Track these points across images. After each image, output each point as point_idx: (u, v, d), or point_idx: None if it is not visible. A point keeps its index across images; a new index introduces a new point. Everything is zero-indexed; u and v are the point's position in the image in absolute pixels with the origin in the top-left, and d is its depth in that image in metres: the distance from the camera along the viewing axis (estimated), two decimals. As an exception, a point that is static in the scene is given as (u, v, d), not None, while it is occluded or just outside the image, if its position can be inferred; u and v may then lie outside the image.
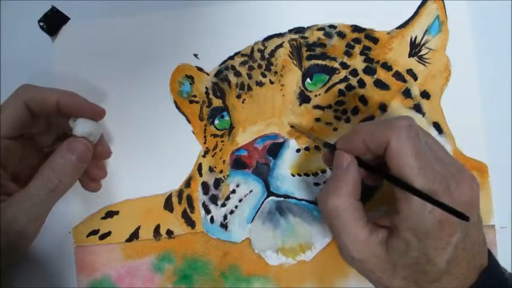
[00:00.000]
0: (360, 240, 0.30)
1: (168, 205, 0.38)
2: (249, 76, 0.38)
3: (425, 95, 0.38)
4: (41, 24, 0.39)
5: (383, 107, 0.38)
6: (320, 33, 0.38)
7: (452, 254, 0.29)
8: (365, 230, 0.30)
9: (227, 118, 0.38)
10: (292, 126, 0.37)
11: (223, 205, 0.38)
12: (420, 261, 0.29)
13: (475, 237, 0.30)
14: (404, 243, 0.29)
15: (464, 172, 0.30)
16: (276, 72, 0.38)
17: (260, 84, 0.38)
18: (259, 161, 0.37)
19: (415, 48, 0.38)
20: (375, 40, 0.38)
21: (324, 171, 0.37)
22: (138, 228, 0.38)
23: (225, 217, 0.38)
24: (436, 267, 0.29)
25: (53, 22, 0.39)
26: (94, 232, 0.38)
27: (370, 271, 0.31)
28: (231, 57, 0.39)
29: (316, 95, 0.38)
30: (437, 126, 0.38)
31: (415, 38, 0.38)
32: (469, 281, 0.29)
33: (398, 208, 0.29)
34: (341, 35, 0.38)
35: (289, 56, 0.38)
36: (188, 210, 0.38)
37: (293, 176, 0.37)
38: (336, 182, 0.31)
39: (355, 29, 0.38)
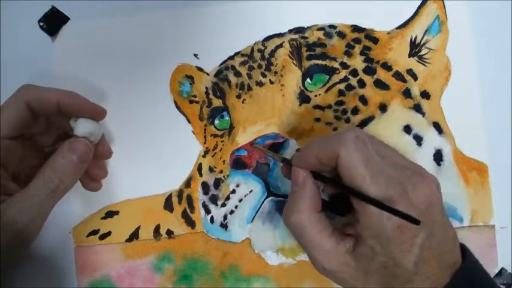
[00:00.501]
0: (327, 251, 0.30)
1: (168, 205, 0.38)
2: (249, 76, 0.38)
3: (425, 95, 0.38)
4: (41, 24, 0.39)
5: (383, 107, 0.38)
6: (320, 33, 0.38)
7: (419, 255, 0.29)
8: (331, 241, 0.30)
9: (227, 118, 0.38)
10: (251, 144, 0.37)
11: (223, 205, 0.38)
12: (388, 265, 0.29)
13: (441, 236, 0.30)
14: (369, 250, 0.29)
15: (422, 174, 0.31)
16: (276, 72, 0.38)
17: (260, 84, 0.38)
18: (259, 161, 0.37)
19: (415, 48, 0.38)
20: (375, 40, 0.38)
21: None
22: (138, 228, 0.38)
23: (225, 217, 0.38)
24: (404, 269, 0.29)
25: (53, 22, 0.39)
26: (94, 232, 0.38)
27: (343, 280, 0.31)
28: (231, 57, 0.39)
29: (316, 95, 0.38)
30: (437, 126, 0.38)
31: (415, 38, 0.38)
32: (442, 280, 0.29)
33: (358, 217, 0.30)
34: (341, 35, 0.38)
35: (289, 56, 0.38)
36: (188, 210, 0.38)
37: (293, 176, 0.37)
38: (294, 198, 0.32)
39: (355, 29, 0.38)
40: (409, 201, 0.29)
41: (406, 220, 0.27)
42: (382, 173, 0.29)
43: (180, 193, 0.39)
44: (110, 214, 0.38)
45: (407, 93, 0.38)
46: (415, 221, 0.27)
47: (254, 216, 0.38)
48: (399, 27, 0.38)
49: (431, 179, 0.30)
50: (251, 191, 0.37)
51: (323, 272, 0.31)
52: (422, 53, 0.38)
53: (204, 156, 0.39)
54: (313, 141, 0.32)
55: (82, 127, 0.34)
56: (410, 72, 0.38)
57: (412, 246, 0.29)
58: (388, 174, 0.29)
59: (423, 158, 0.37)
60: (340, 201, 0.33)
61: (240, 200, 0.38)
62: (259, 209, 0.38)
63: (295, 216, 0.31)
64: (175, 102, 0.39)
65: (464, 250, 0.31)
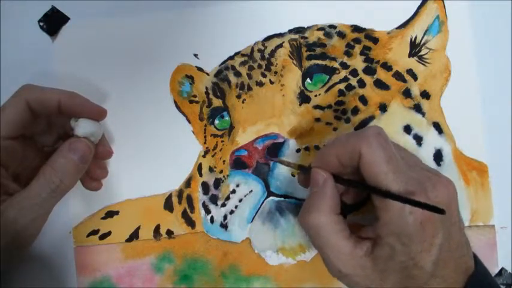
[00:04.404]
0: (344, 254, 0.30)
1: (168, 205, 0.38)
2: (249, 76, 0.38)
3: (425, 95, 0.38)
4: (41, 24, 0.39)
5: (383, 107, 0.38)
6: (320, 33, 0.38)
7: (438, 256, 0.29)
8: (349, 243, 0.30)
9: (227, 118, 0.38)
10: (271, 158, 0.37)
11: (223, 205, 0.38)
12: (407, 265, 0.29)
13: (458, 239, 0.30)
14: (389, 250, 0.29)
15: (440, 176, 0.31)
16: (276, 72, 0.38)
17: (260, 84, 0.38)
18: (259, 161, 0.37)
19: (415, 48, 0.38)
20: (375, 40, 0.38)
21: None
22: (138, 228, 0.38)
23: (225, 217, 0.38)
24: (423, 270, 0.29)
25: (53, 22, 0.39)
26: (94, 232, 0.38)
27: (358, 283, 0.31)
28: (231, 57, 0.39)
29: (316, 95, 0.38)
30: (437, 126, 0.38)
31: (415, 38, 0.38)
32: (457, 285, 0.29)
33: (378, 215, 0.30)
34: (341, 35, 0.38)
35: (289, 56, 0.38)
36: (188, 210, 0.38)
37: (293, 176, 0.37)
38: (314, 199, 0.31)
39: (355, 29, 0.38)
40: (429, 200, 0.29)
41: (430, 210, 0.27)
42: (403, 170, 0.29)
43: (180, 193, 0.39)
44: (110, 214, 0.38)
45: (407, 93, 0.38)
46: (440, 211, 0.27)
47: (254, 216, 0.38)
48: (399, 27, 0.38)
49: (449, 181, 0.30)
50: (251, 191, 0.37)
51: (337, 275, 0.31)
52: (422, 53, 0.38)
53: (204, 156, 0.39)
54: (332, 141, 0.32)
55: (82, 127, 0.34)
56: (410, 72, 0.38)
57: (432, 246, 0.29)
58: (408, 173, 0.29)
59: (423, 158, 0.37)
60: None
61: (240, 200, 0.38)
62: (259, 209, 0.38)
63: (313, 216, 0.31)
64: (175, 102, 0.39)
65: (474, 256, 0.31)
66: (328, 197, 0.31)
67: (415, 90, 0.38)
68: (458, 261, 0.30)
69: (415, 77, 0.38)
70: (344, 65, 0.38)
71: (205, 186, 0.38)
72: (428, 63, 0.38)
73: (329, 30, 0.38)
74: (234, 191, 0.38)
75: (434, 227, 0.28)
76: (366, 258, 0.30)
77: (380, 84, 0.38)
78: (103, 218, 0.38)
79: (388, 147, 0.30)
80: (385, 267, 0.29)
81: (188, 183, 0.39)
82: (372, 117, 0.38)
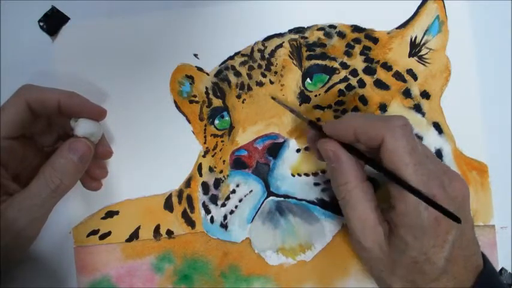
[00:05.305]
0: (368, 226, 0.30)
1: (168, 205, 0.38)
2: (249, 76, 0.38)
3: (425, 95, 0.38)
4: (41, 24, 0.39)
5: (383, 107, 0.38)
6: (320, 33, 0.38)
7: (450, 252, 0.29)
8: (374, 217, 0.30)
9: (227, 118, 0.38)
10: (273, 98, 0.37)
11: (223, 205, 0.38)
12: (419, 260, 0.29)
13: (469, 236, 0.30)
14: (402, 242, 0.29)
15: (453, 170, 0.31)
16: (276, 72, 0.38)
17: (260, 84, 0.38)
18: (259, 161, 0.37)
19: (415, 48, 0.38)
20: (375, 40, 0.38)
21: (324, 171, 0.37)
22: (138, 228, 0.38)
23: (225, 217, 0.38)
24: (435, 266, 0.29)
25: (53, 22, 0.39)
26: (94, 232, 0.38)
27: (373, 262, 0.31)
28: (231, 57, 0.39)
29: (316, 95, 0.38)
30: (437, 126, 0.38)
31: (415, 38, 0.38)
32: (467, 282, 0.29)
33: (394, 204, 0.30)
34: (341, 35, 0.38)
35: (289, 56, 0.38)
36: (188, 210, 0.38)
37: (293, 176, 0.37)
38: (334, 173, 0.32)
39: (355, 29, 0.38)
40: (446, 194, 0.29)
41: (447, 216, 0.27)
42: (423, 163, 0.29)
43: (180, 193, 0.39)
44: (110, 214, 0.38)
45: (407, 93, 0.38)
46: (456, 219, 0.27)
47: (254, 216, 0.38)
48: (399, 27, 0.38)
49: (461, 176, 0.31)
50: (251, 191, 0.37)
51: (357, 245, 0.32)
52: (422, 53, 0.38)
53: (204, 156, 0.39)
54: (353, 117, 0.32)
55: (82, 127, 0.34)
56: (410, 72, 0.38)
57: (445, 242, 0.29)
58: (427, 166, 0.29)
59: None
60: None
61: (240, 200, 0.38)
62: (259, 209, 0.38)
63: (342, 188, 0.31)
64: (175, 102, 0.39)
65: (482, 255, 0.31)
66: (349, 169, 0.31)
67: (415, 90, 0.38)
68: (469, 259, 0.30)
69: (415, 77, 0.38)
70: (344, 65, 0.38)
71: (205, 186, 0.38)
72: (428, 63, 0.38)
73: (329, 30, 0.38)
74: (234, 191, 0.38)
75: (449, 223, 0.29)
76: (385, 239, 0.30)
77: (380, 84, 0.38)
78: (103, 218, 0.38)
79: (411, 139, 0.30)
80: (397, 258, 0.30)
81: (188, 183, 0.39)
82: (372, 117, 0.38)
